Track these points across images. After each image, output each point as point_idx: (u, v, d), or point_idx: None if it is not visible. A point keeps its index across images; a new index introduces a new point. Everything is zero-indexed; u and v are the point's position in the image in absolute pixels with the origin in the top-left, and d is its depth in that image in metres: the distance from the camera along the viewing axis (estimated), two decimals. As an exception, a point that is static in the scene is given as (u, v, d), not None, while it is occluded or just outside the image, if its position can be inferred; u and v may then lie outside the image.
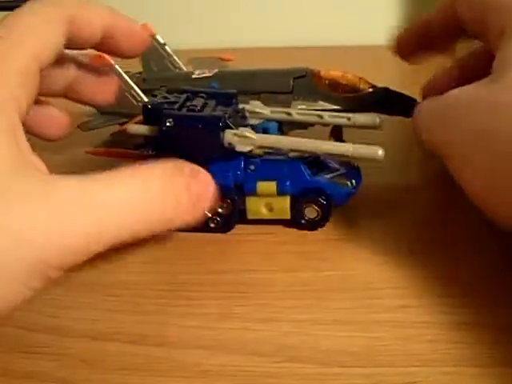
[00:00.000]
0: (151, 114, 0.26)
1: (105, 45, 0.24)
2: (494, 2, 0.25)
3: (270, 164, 0.26)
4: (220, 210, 0.27)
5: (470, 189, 0.22)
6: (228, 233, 0.27)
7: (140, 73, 0.37)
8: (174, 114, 0.25)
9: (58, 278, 0.24)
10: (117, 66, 0.32)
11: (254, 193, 0.26)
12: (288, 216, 0.27)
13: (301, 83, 0.32)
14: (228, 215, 0.27)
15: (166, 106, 0.26)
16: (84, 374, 0.20)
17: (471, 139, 0.22)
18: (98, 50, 0.25)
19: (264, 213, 0.27)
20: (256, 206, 0.27)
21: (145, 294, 0.24)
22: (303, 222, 0.27)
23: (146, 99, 0.32)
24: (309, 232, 0.27)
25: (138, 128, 0.27)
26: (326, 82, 0.32)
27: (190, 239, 0.27)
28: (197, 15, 0.61)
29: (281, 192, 0.26)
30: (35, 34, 0.20)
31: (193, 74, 0.35)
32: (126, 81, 0.32)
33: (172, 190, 0.20)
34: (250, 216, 0.27)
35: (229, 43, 0.57)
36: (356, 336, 0.21)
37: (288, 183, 0.26)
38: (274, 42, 0.59)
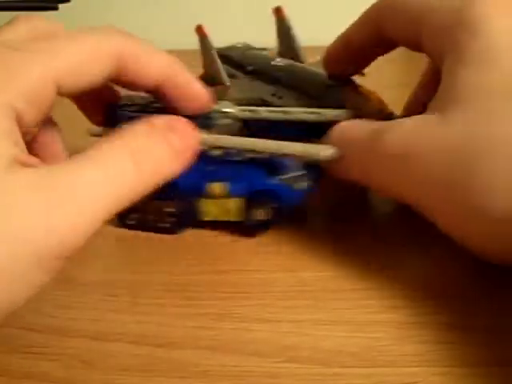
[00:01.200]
0: (111, 114, 0.26)
1: (159, 95, 0.24)
2: (430, 24, 0.22)
3: (224, 165, 0.26)
4: (174, 210, 0.27)
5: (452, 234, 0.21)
6: (227, 232, 0.27)
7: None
8: (128, 115, 0.25)
9: (58, 278, 0.25)
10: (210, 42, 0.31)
11: (207, 194, 0.26)
12: (241, 218, 0.26)
13: (332, 92, 0.28)
14: (182, 216, 0.27)
15: (127, 106, 0.26)
16: (84, 374, 0.20)
17: (441, 193, 0.20)
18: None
19: (217, 214, 0.27)
20: (209, 208, 0.26)
21: (145, 294, 0.24)
22: (253, 223, 0.26)
23: (227, 82, 0.31)
24: (309, 232, 0.27)
25: (97, 129, 0.27)
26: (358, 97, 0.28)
27: (190, 239, 0.27)
28: (196, 15, 0.61)
29: (233, 194, 0.26)
30: (65, 57, 0.20)
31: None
32: (214, 59, 0.31)
33: (148, 149, 0.20)
34: (203, 217, 0.27)
35: (228, 43, 0.57)
36: (356, 336, 0.21)
37: (240, 185, 0.26)
38: (274, 42, 0.58)
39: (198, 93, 0.24)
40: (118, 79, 0.22)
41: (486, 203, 0.19)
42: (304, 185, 0.26)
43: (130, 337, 0.21)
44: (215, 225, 0.27)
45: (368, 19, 0.26)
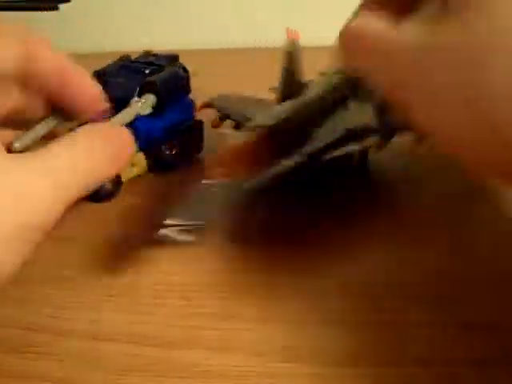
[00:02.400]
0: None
1: (55, 95, 0.23)
2: None
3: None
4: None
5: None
6: (228, 232, 0.27)
7: None
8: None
9: (58, 278, 0.25)
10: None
11: None
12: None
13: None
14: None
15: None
16: (84, 374, 0.20)
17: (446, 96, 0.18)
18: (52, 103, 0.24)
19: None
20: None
21: (145, 294, 0.24)
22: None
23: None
24: (308, 233, 0.27)
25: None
26: None
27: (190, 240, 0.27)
28: (196, 16, 0.61)
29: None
30: None
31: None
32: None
33: (95, 159, 0.21)
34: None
35: (228, 43, 0.57)
36: (356, 336, 0.21)
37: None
38: (273, 42, 0.59)
39: (89, 85, 0.24)
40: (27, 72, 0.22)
41: (487, 104, 0.18)
42: None
43: (130, 337, 0.21)
44: (216, 224, 0.27)
45: None
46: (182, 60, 0.36)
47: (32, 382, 0.20)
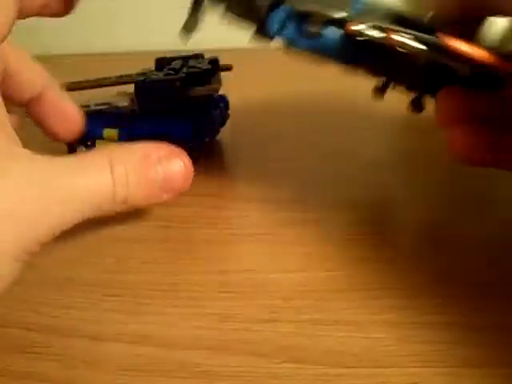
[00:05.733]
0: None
1: (32, 108, 0.23)
2: None
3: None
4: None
5: None
6: (229, 233, 0.27)
7: None
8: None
9: (58, 278, 0.25)
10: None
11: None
12: None
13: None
14: None
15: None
16: (84, 374, 0.20)
17: None
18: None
19: None
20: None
21: (145, 294, 0.24)
22: None
23: None
24: (309, 232, 0.27)
25: None
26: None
27: (190, 239, 0.27)
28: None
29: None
30: None
31: None
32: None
33: (139, 179, 0.20)
34: None
35: (228, 43, 0.57)
36: (356, 336, 0.21)
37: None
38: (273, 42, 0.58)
39: (71, 112, 0.24)
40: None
41: None
42: None
43: (130, 337, 0.21)
44: (215, 224, 0.27)
45: None
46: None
47: (32, 382, 0.20)
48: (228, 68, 0.36)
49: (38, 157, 0.18)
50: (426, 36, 0.22)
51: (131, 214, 0.28)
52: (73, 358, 0.20)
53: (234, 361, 0.20)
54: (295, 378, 0.19)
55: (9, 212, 0.17)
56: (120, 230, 0.28)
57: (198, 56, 0.36)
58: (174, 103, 0.32)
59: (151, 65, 0.36)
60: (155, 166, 0.20)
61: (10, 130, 0.19)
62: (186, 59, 0.35)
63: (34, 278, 0.24)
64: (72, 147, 0.34)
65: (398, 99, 0.27)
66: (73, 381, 0.20)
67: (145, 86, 0.32)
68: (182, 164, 0.20)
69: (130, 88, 0.33)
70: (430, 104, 0.25)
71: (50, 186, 0.18)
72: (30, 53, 0.23)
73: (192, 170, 0.21)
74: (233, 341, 0.21)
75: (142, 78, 0.33)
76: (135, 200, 0.19)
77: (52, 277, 0.25)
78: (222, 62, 0.35)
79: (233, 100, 0.37)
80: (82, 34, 0.61)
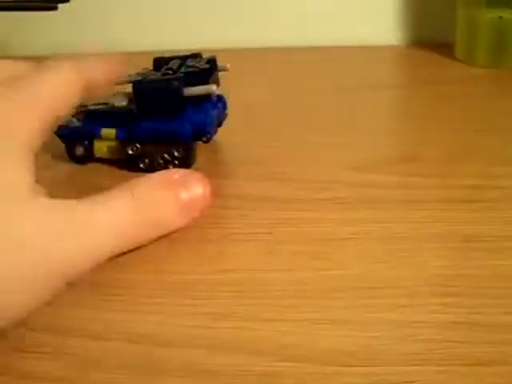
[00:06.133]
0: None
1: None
2: None
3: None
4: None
5: None
6: (228, 232, 0.28)
7: None
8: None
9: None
10: None
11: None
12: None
13: None
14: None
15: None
16: (84, 374, 0.20)
17: None
18: None
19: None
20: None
21: (145, 294, 0.24)
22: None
23: None
24: (308, 231, 0.27)
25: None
26: None
27: (190, 239, 0.27)
28: (195, 16, 0.61)
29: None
30: (48, 103, 0.23)
31: None
32: None
33: (160, 203, 0.24)
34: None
35: (227, 43, 0.57)
36: (355, 335, 0.21)
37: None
38: (273, 42, 0.59)
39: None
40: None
41: None
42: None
43: (129, 336, 0.21)
44: (215, 224, 0.27)
45: None
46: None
47: (32, 382, 0.20)
48: (224, 69, 0.36)
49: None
50: None
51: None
52: (73, 358, 0.21)
53: (233, 360, 0.20)
54: (293, 377, 0.19)
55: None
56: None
57: (196, 56, 0.36)
58: (172, 103, 0.32)
59: (149, 64, 0.36)
60: None
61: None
62: (183, 59, 0.35)
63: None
64: (70, 146, 0.34)
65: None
66: (73, 381, 0.20)
67: (143, 86, 0.32)
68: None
69: (128, 88, 0.33)
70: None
71: None
72: (28, 53, 0.24)
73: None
74: (232, 340, 0.21)
75: (139, 78, 0.33)
76: None
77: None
78: (220, 61, 0.36)
79: (231, 100, 0.37)
80: (80, 34, 0.61)
